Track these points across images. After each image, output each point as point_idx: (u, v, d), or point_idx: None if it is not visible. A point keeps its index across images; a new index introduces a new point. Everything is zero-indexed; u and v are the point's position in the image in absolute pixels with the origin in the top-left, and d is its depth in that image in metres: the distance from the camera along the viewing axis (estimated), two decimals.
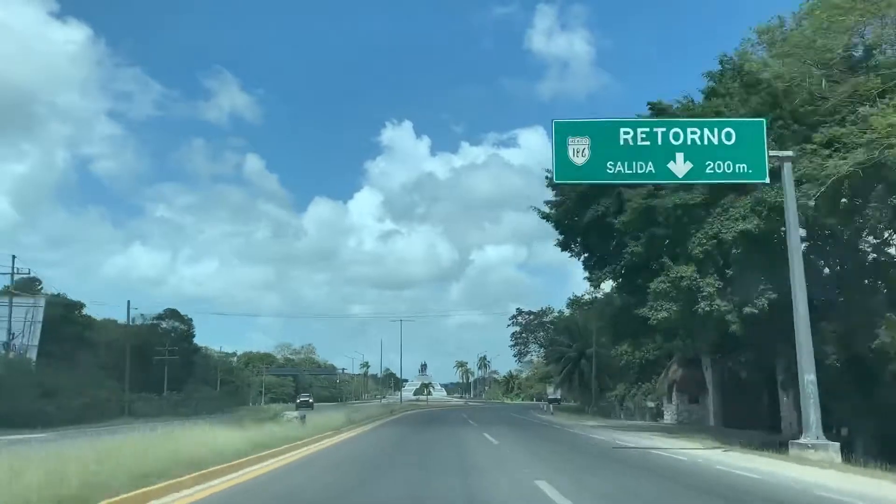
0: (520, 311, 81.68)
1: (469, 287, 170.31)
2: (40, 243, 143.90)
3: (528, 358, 78.72)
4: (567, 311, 68.21)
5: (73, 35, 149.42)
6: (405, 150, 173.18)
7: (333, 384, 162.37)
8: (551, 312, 75.16)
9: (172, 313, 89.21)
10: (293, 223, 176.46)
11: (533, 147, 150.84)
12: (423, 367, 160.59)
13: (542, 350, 77.35)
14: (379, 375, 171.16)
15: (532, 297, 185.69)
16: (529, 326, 76.85)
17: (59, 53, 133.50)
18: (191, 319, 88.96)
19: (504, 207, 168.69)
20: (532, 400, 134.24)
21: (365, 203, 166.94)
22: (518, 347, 78.45)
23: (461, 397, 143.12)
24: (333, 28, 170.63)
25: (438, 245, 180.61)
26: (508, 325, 79.18)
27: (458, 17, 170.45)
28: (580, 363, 53.53)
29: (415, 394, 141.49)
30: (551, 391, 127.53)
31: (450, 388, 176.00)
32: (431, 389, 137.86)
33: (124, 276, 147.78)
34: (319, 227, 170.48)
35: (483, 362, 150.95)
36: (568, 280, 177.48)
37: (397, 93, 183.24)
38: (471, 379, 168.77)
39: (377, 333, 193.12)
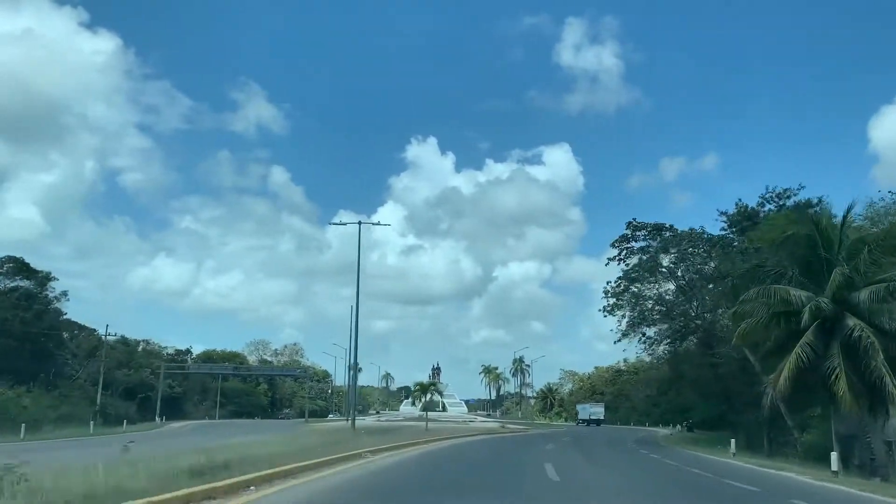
0: (636, 226, 38.83)
1: (492, 304, 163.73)
2: (68, 254, 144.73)
3: (651, 332, 38.60)
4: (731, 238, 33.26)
5: (103, 45, 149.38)
6: (430, 167, 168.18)
7: (324, 394, 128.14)
8: (701, 236, 36.93)
9: (17, 267, 55.12)
10: (317, 236, 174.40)
11: (558, 164, 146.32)
12: (436, 370, 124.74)
13: (659, 328, 39.50)
14: (383, 384, 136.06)
15: (556, 316, 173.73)
16: (649, 262, 37.67)
17: (88, 64, 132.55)
18: (48, 276, 54.69)
19: (528, 224, 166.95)
20: (576, 422, 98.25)
21: (389, 218, 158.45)
22: (623, 312, 38.94)
23: (488, 415, 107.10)
24: (360, 41, 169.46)
25: (462, 261, 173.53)
26: (608, 263, 40.84)
27: (485, 28, 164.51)
28: (852, 331, 18.54)
29: (424, 408, 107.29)
30: (591, 408, 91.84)
31: (471, 404, 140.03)
32: (443, 400, 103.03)
33: (149, 287, 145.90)
34: (343, 240, 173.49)
35: (519, 366, 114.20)
36: (593, 296, 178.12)
37: (423, 108, 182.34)
38: (502, 390, 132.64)
39: (400, 348, 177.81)
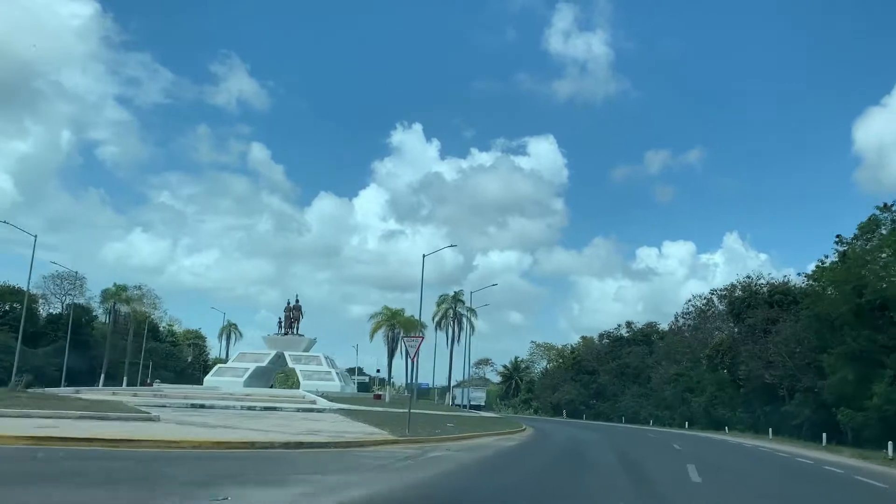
0: None
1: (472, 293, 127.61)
2: (41, 225, 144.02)
3: None
4: None
5: (80, 9, 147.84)
6: (414, 153, 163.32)
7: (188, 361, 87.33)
8: None
9: None
10: (297, 217, 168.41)
11: (542, 155, 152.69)
12: (294, 308, 79.38)
13: None
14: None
15: (534, 307, 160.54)
16: None
17: (64, 27, 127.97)
18: None
19: (510, 213, 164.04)
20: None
21: (370, 201, 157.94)
22: None
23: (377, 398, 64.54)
24: (348, 21, 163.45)
25: (442, 248, 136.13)
26: None
27: (475, 9, 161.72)
28: None
29: (262, 380, 64.65)
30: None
31: (422, 388, 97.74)
32: (296, 367, 61.81)
33: (123, 262, 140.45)
34: (323, 222, 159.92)
35: (452, 309, 68.22)
36: (571, 288, 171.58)
37: (410, 93, 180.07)
38: (404, 353, 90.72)
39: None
